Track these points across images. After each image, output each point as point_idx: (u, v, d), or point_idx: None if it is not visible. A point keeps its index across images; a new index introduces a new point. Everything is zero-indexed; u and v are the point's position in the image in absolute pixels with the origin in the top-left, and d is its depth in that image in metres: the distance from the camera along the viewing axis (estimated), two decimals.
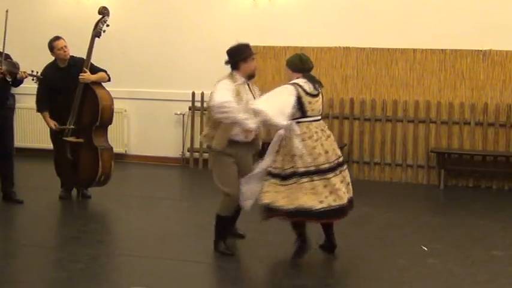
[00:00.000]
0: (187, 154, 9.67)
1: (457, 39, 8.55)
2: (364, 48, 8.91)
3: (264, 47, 9.02)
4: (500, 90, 8.54)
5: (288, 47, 8.92)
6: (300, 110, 5.15)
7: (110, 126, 7.33)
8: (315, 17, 9.02)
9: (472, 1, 8.59)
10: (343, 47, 8.97)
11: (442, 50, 8.66)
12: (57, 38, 7.02)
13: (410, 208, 7.44)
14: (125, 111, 9.79)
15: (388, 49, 8.83)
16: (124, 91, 9.51)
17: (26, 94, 8.85)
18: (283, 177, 5.16)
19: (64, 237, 6.13)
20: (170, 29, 9.62)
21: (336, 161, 5.23)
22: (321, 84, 5.33)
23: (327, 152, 5.17)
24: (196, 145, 9.60)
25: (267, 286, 5.00)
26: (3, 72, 6.64)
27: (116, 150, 8.67)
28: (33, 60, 7.19)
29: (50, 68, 7.09)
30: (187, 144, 9.65)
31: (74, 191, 7.38)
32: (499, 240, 6.06)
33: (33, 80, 7.02)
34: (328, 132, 5.34)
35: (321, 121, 5.34)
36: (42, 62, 7.15)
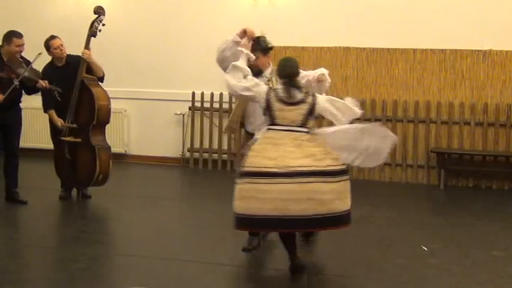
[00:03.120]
0: (187, 154, 9.67)
1: (457, 39, 8.56)
2: (364, 48, 8.91)
3: None
4: (500, 90, 8.55)
5: (288, 47, 8.90)
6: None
7: (108, 125, 7.32)
8: (315, 17, 9.02)
9: (472, 1, 8.60)
10: (343, 47, 8.97)
11: (442, 50, 8.66)
12: (52, 37, 7.05)
13: (410, 208, 7.44)
14: (125, 111, 9.78)
15: (388, 49, 8.83)
16: (124, 91, 9.51)
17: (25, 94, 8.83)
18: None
19: (64, 237, 6.12)
20: (170, 29, 9.62)
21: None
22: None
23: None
24: (196, 145, 9.60)
25: (267, 286, 4.99)
26: (10, 76, 6.64)
27: (116, 150, 8.69)
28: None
29: (48, 68, 7.10)
30: (187, 144, 9.65)
31: (74, 191, 7.39)
32: (499, 240, 6.06)
33: (52, 93, 6.99)
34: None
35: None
36: (42, 61, 7.15)
